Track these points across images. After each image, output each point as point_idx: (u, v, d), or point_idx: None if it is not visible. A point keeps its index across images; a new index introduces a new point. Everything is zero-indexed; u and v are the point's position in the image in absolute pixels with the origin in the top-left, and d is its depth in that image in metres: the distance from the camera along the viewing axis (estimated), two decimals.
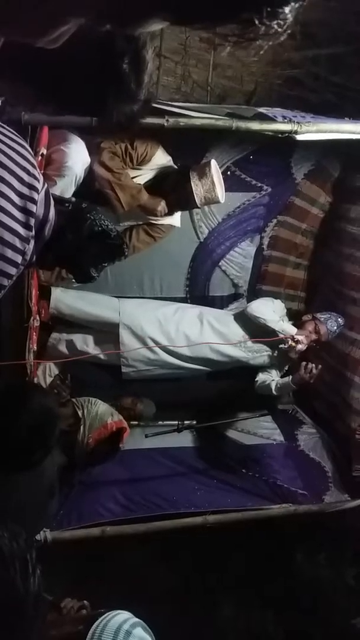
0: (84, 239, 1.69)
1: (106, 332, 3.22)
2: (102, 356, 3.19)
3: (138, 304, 3.38)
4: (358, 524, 3.37)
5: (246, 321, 3.40)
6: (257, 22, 0.61)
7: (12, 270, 1.52)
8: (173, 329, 3.23)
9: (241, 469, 3.26)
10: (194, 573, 3.38)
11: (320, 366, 3.12)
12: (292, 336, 3.22)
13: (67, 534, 2.58)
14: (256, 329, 3.34)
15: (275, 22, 0.61)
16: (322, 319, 3.30)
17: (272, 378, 3.37)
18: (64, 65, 0.90)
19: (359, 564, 3.48)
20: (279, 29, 0.62)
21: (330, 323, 3.29)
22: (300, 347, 3.21)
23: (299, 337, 3.21)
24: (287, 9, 0.61)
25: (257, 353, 3.39)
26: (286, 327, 3.30)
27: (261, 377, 3.41)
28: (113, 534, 2.65)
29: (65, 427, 2.48)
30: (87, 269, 1.77)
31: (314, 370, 3.08)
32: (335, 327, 3.29)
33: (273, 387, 3.30)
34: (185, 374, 3.39)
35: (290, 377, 3.26)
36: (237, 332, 3.34)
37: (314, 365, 3.09)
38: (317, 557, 3.54)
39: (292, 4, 0.61)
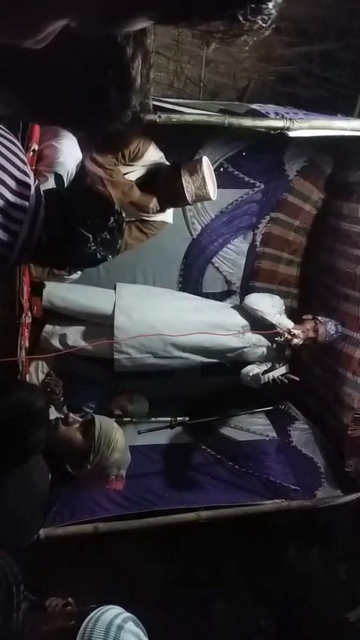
0: (78, 207, 1.67)
1: (100, 324, 3.19)
2: (95, 349, 3.15)
3: (137, 290, 3.35)
4: (350, 519, 3.39)
5: (244, 314, 3.40)
6: (241, 18, 0.61)
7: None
8: (171, 317, 3.20)
9: (234, 465, 3.26)
10: (186, 569, 3.39)
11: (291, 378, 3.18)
12: (289, 329, 3.22)
13: (60, 531, 2.58)
14: (254, 322, 3.34)
15: (259, 17, 0.62)
16: (323, 320, 3.31)
17: (257, 370, 3.36)
18: (44, 72, 0.87)
19: (351, 559, 3.51)
20: (264, 25, 0.63)
21: (330, 325, 3.29)
22: (296, 341, 3.21)
23: (296, 331, 3.21)
24: (270, 5, 0.62)
25: (255, 346, 3.38)
26: (283, 321, 3.30)
27: (248, 367, 3.39)
28: (106, 531, 2.66)
29: (73, 452, 2.39)
30: (85, 247, 1.69)
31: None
32: (333, 332, 3.30)
33: (259, 378, 3.30)
34: (179, 364, 3.36)
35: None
36: (235, 323, 3.34)
37: (285, 380, 3.15)
38: (309, 552, 3.56)
39: None
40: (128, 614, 1.26)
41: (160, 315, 3.19)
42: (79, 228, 1.66)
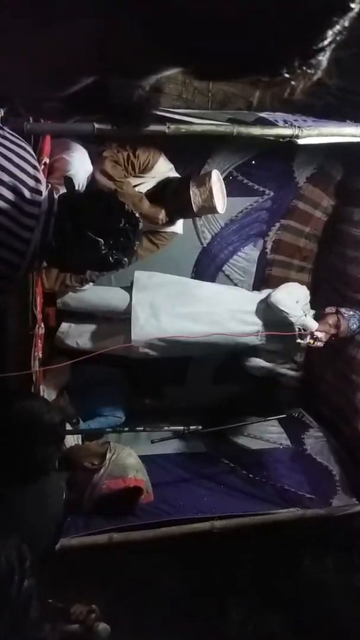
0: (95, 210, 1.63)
1: (116, 320, 3.18)
2: (111, 345, 3.11)
3: (154, 278, 3.28)
4: None
5: (266, 308, 3.26)
6: (287, 75, 0.55)
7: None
8: (189, 306, 3.16)
9: (248, 473, 3.25)
10: (201, 578, 3.37)
11: None
12: (312, 332, 3.15)
13: (75, 541, 2.58)
14: (275, 318, 3.22)
15: (307, 69, 0.56)
16: (346, 315, 3.20)
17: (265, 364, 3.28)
18: None
19: None
20: (312, 72, 0.57)
21: (353, 321, 3.19)
22: (318, 344, 3.15)
23: (318, 335, 3.13)
24: (320, 56, 0.55)
25: (272, 339, 3.29)
26: (307, 322, 3.18)
27: (255, 361, 3.31)
28: (120, 541, 2.66)
29: (88, 464, 2.42)
30: (96, 252, 1.62)
31: None
32: (355, 326, 3.20)
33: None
34: (195, 354, 3.33)
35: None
36: (253, 321, 3.25)
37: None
38: (325, 562, 3.53)
39: (327, 50, 0.54)
40: None
41: (178, 305, 3.14)
42: (88, 232, 1.61)
